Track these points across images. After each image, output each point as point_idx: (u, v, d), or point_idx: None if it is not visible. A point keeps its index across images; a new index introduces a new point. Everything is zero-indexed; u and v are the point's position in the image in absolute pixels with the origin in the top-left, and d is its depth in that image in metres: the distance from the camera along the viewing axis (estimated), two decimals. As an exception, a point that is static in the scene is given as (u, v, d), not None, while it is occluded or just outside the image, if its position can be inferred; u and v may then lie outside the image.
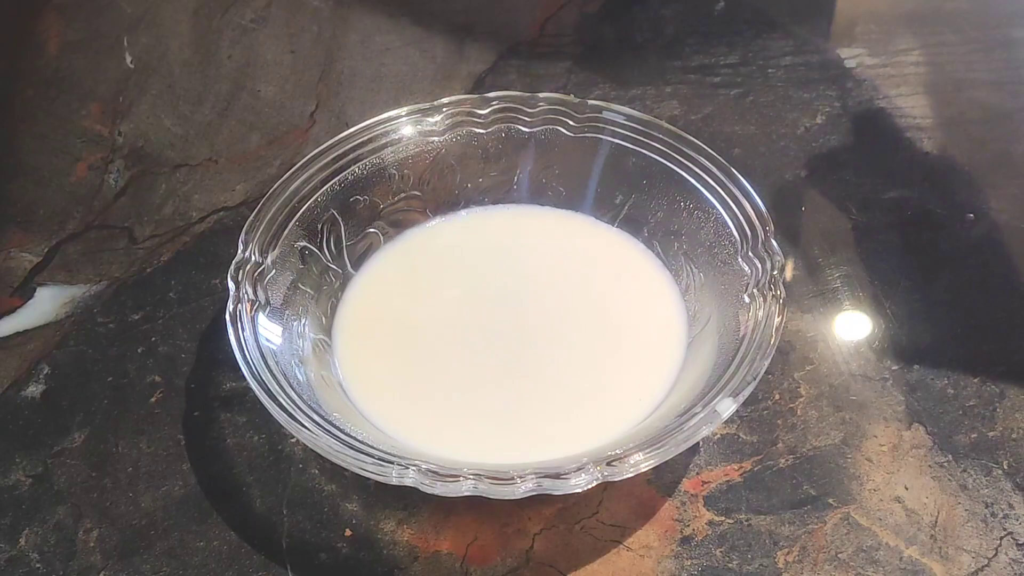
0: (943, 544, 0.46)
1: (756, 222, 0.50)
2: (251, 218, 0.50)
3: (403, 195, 0.55)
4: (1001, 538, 0.46)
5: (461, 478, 0.41)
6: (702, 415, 0.43)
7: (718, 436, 0.49)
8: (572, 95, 0.56)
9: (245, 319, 0.46)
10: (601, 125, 0.54)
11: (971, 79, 0.68)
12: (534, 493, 0.41)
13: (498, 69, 0.70)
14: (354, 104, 0.68)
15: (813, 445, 0.49)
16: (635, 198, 0.54)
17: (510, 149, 0.56)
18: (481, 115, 0.55)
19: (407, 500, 0.47)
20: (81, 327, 0.55)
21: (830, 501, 0.47)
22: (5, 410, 0.52)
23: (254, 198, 0.61)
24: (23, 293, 0.57)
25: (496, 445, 0.47)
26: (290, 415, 0.43)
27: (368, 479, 0.44)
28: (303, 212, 0.52)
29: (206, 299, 0.56)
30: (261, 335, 0.47)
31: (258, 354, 0.46)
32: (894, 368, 0.52)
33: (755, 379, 0.44)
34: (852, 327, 0.54)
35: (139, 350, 0.54)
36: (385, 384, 0.50)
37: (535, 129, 0.55)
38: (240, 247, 0.49)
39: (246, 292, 0.47)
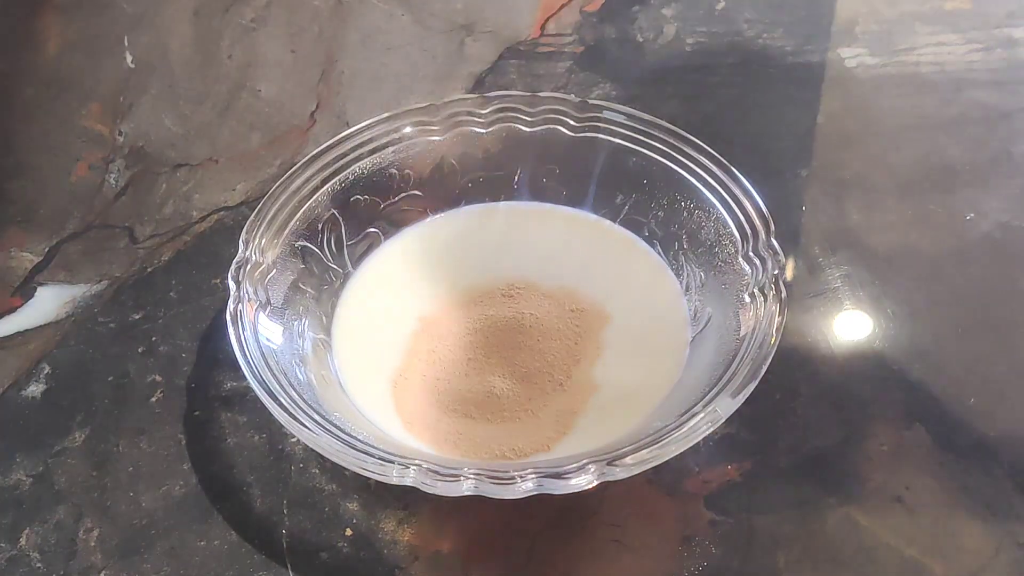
0: (943, 544, 0.46)
1: (757, 222, 0.50)
2: (251, 218, 0.50)
3: (403, 194, 0.55)
4: (1001, 538, 0.46)
5: (461, 478, 0.41)
6: (702, 415, 0.43)
7: (718, 436, 0.49)
8: (572, 95, 0.56)
9: (246, 319, 0.46)
10: (601, 125, 0.54)
11: (971, 79, 0.68)
12: (534, 493, 0.41)
13: (498, 69, 0.70)
14: (354, 104, 0.68)
15: (813, 445, 0.49)
16: (635, 198, 0.54)
17: (510, 149, 0.56)
18: (481, 115, 0.55)
19: (407, 500, 0.47)
20: (82, 327, 0.55)
21: (830, 500, 0.47)
22: (6, 410, 0.52)
23: (254, 198, 0.61)
24: (24, 293, 0.57)
25: (496, 444, 0.47)
26: (291, 415, 0.43)
27: (368, 479, 0.44)
28: (304, 211, 0.52)
29: (206, 299, 0.56)
30: (261, 335, 0.47)
31: (258, 354, 0.46)
32: (894, 368, 0.52)
33: (755, 379, 0.44)
34: (852, 327, 0.54)
35: (139, 350, 0.54)
36: (386, 383, 0.50)
37: (535, 129, 0.55)
38: (240, 247, 0.49)
39: (247, 292, 0.47)
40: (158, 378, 0.53)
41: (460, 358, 0.50)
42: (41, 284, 0.57)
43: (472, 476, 0.41)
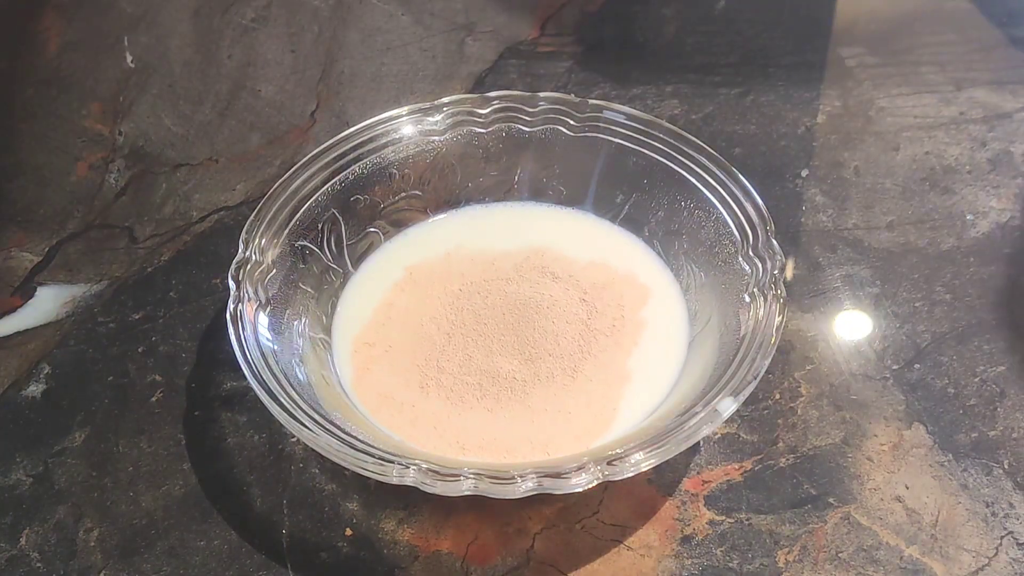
0: (943, 543, 0.46)
1: (756, 222, 0.50)
2: (252, 217, 0.50)
3: (403, 194, 0.55)
4: (1002, 537, 0.46)
5: (461, 477, 0.41)
6: (703, 414, 0.43)
7: (719, 435, 0.49)
8: (573, 94, 0.56)
9: (246, 318, 0.46)
10: (602, 124, 0.54)
11: (971, 79, 0.68)
12: (534, 492, 0.41)
13: (498, 68, 0.70)
14: (354, 103, 0.68)
15: (813, 444, 0.49)
16: (636, 197, 0.54)
17: (511, 148, 0.56)
18: (482, 114, 0.55)
19: (407, 499, 0.47)
20: (82, 327, 0.55)
21: (830, 500, 0.47)
22: (6, 409, 0.52)
23: (254, 197, 0.61)
24: (24, 293, 0.57)
25: (496, 444, 0.47)
26: (291, 414, 0.43)
27: (368, 478, 0.44)
28: (304, 211, 0.52)
29: (206, 299, 0.56)
30: (261, 334, 0.47)
31: (258, 353, 0.46)
32: (894, 368, 0.52)
33: (756, 378, 0.44)
34: (852, 327, 0.54)
35: (139, 349, 0.54)
36: (388, 385, 0.49)
37: (536, 128, 0.55)
38: (241, 246, 0.49)
39: (247, 291, 0.47)
40: (158, 378, 0.53)
41: (459, 358, 0.50)
42: (41, 284, 0.57)
43: (472, 476, 0.41)
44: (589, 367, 0.49)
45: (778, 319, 0.46)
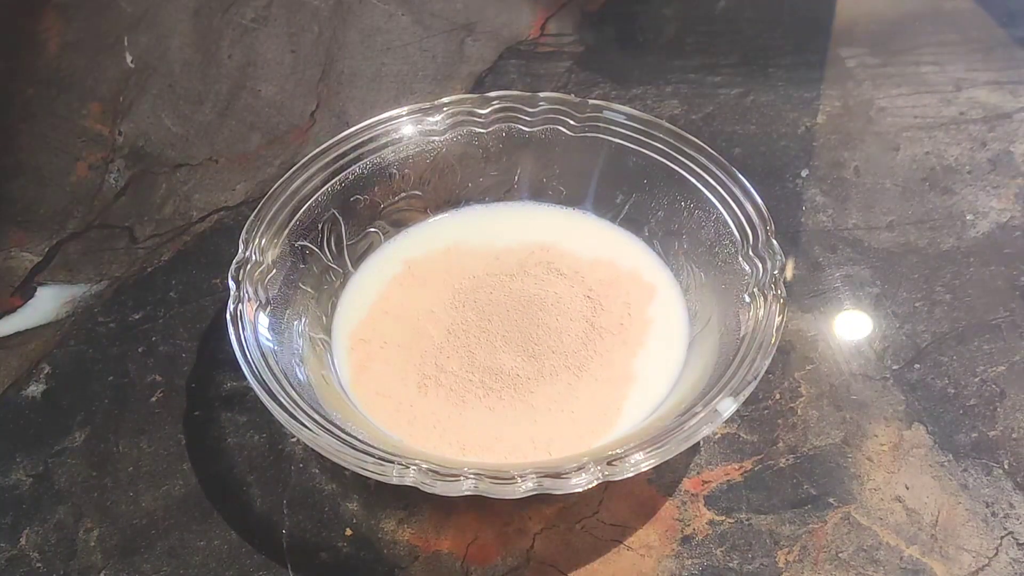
0: (943, 543, 0.46)
1: (757, 222, 0.50)
2: (252, 217, 0.50)
3: (403, 194, 0.55)
4: (1002, 537, 0.46)
5: (461, 477, 0.41)
6: (703, 414, 0.43)
7: (719, 435, 0.49)
8: (573, 95, 0.56)
9: (246, 319, 0.46)
10: (602, 125, 0.54)
11: (971, 79, 0.68)
12: (535, 492, 0.41)
13: (498, 69, 0.70)
14: (354, 104, 0.68)
15: (814, 445, 0.49)
16: (636, 197, 0.54)
17: (511, 148, 0.56)
18: (482, 115, 0.55)
19: (407, 500, 0.47)
20: (82, 327, 0.55)
21: (831, 500, 0.47)
22: (6, 410, 0.52)
23: (254, 198, 0.61)
24: (24, 293, 0.57)
25: (498, 444, 0.47)
26: (291, 415, 0.43)
27: (368, 479, 0.44)
28: (304, 211, 0.52)
29: (206, 299, 0.56)
30: (261, 335, 0.47)
31: (258, 354, 0.46)
32: (894, 368, 0.52)
33: (756, 379, 0.44)
34: (852, 327, 0.54)
35: (140, 350, 0.54)
36: (385, 383, 0.50)
37: (536, 129, 0.55)
38: (241, 247, 0.49)
39: (247, 291, 0.47)
40: (158, 378, 0.53)
41: (459, 358, 0.50)
42: (41, 284, 0.57)
43: (472, 476, 0.41)
44: (595, 365, 0.49)
45: (778, 319, 0.46)
